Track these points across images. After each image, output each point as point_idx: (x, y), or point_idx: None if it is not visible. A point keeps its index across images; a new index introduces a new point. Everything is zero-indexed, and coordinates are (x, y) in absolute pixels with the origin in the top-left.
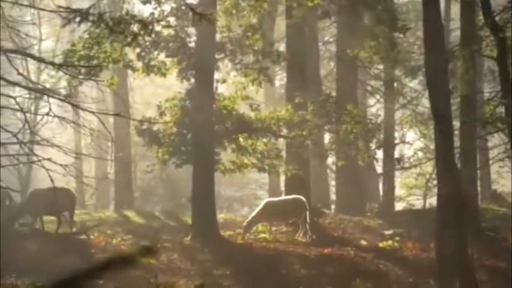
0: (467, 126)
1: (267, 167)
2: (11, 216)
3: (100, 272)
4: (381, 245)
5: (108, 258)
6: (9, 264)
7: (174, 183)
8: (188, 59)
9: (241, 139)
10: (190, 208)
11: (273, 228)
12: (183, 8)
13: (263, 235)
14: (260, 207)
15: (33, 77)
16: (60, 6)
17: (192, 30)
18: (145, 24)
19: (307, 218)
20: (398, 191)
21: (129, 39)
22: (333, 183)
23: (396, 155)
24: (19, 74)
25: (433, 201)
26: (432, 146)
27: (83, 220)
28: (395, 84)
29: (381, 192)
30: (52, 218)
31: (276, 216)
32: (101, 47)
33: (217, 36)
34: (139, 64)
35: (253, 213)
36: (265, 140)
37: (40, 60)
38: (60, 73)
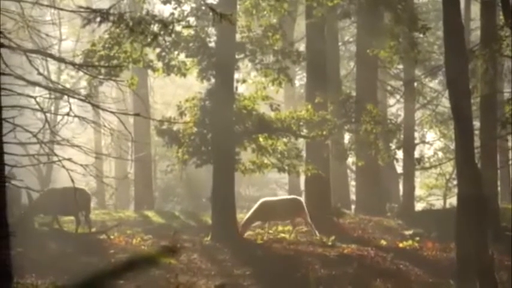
0: (487, 126)
1: (287, 167)
2: (25, 215)
3: (122, 273)
4: (401, 245)
5: (130, 258)
6: (29, 263)
7: (194, 183)
8: (208, 59)
9: (261, 139)
10: (210, 208)
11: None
12: (203, 8)
13: (283, 235)
14: (256, 206)
15: (53, 77)
16: (80, 7)
17: (212, 30)
18: (166, 25)
19: (305, 216)
20: (419, 191)
21: (149, 39)
22: (353, 183)
23: (416, 155)
24: (39, 74)
25: (453, 201)
26: (452, 146)
27: (103, 220)
28: (415, 84)
29: (401, 192)
30: (72, 218)
31: (272, 216)
32: (121, 47)
33: (237, 36)
34: (159, 64)
35: (249, 213)
36: (285, 140)
37: (60, 60)
38: (81, 73)
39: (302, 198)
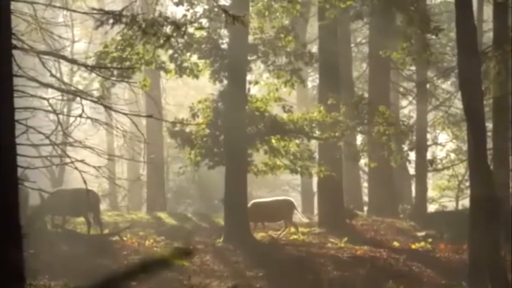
0: (500, 127)
1: (299, 169)
2: (36, 216)
3: (137, 275)
4: (413, 246)
5: (145, 260)
6: (41, 265)
7: (207, 185)
8: (221, 61)
9: (273, 140)
10: (223, 210)
11: (306, 230)
12: (216, 9)
13: (295, 236)
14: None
15: (66, 79)
16: (93, 8)
17: (224, 31)
18: (178, 26)
19: (292, 217)
20: (431, 193)
21: (161, 41)
22: (365, 184)
23: (429, 156)
24: (52, 75)
25: (465, 202)
26: (465, 148)
27: (115, 221)
28: (427, 86)
29: (413, 194)
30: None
31: (262, 217)
32: (134, 48)
33: (250, 38)
34: (171, 66)
35: None
36: (297, 141)
37: (73, 62)
38: (93, 75)
39: (293, 199)
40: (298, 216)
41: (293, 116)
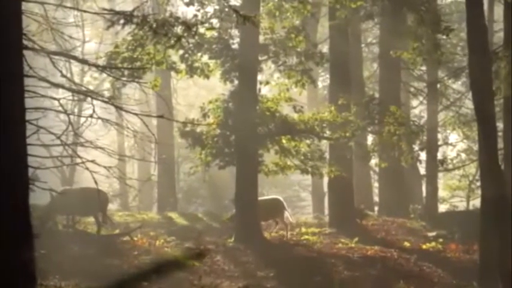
0: (510, 127)
1: (310, 169)
2: (47, 216)
3: (149, 276)
4: (424, 246)
5: (157, 262)
6: (52, 265)
7: (217, 185)
8: (231, 61)
9: (284, 141)
10: (234, 210)
11: (317, 230)
12: (227, 10)
13: (306, 237)
14: None
15: (76, 79)
16: (103, 9)
17: (235, 32)
18: (189, 26)
19: (283, 216)
20: (442, 193)
21: (172, 41)
22: (376, 184)
23: (439, 156)
24: (63, 76)
25: (476, 202)
26: (475, 148)
27: (126, 221)
28: (438, 86)
29: (424, 194)
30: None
31: None
32: (145, 49)
33: (261, 38)
34: (182, 66)
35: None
36: (308, 141)
37: (83, 62)
38: (104, 75)
39: (282, 199)
40: (286, 216)
41: (304, 116)
